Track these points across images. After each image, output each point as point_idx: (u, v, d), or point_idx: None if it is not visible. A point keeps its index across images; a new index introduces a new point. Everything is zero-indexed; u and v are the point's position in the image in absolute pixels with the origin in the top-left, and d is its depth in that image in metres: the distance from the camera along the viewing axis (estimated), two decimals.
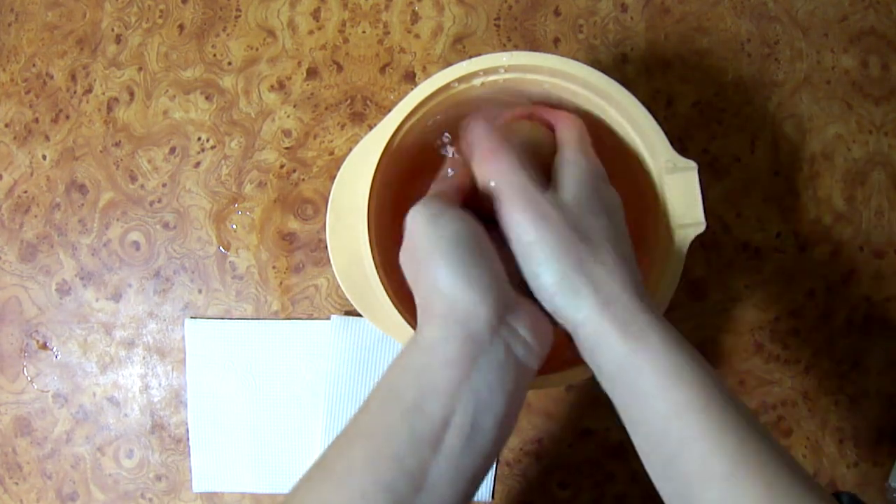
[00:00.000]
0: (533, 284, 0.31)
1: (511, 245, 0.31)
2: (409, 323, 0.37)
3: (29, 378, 0.51)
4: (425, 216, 0.30)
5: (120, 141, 0.52)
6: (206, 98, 0.51)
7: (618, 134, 0.39)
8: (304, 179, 0.51)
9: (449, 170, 0.36)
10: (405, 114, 0.37)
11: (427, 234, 0.30)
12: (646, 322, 0.29)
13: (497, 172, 0.32)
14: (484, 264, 0.29)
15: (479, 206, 0.34)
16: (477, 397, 0.28)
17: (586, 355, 0.31)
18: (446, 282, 0.29)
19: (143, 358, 0.51)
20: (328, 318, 0.50)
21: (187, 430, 0.50)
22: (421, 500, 0.26)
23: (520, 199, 0.31)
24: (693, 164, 0.38)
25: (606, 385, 0.31)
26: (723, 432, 0.27)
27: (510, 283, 0.30)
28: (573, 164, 0.33)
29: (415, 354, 0.29)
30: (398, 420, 0.27)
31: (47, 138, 0.52)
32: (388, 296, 0.37)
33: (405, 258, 0.32)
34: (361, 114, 0.51)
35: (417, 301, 0.31)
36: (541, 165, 0.33)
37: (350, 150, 0.39)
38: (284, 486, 0.49)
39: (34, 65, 0.53)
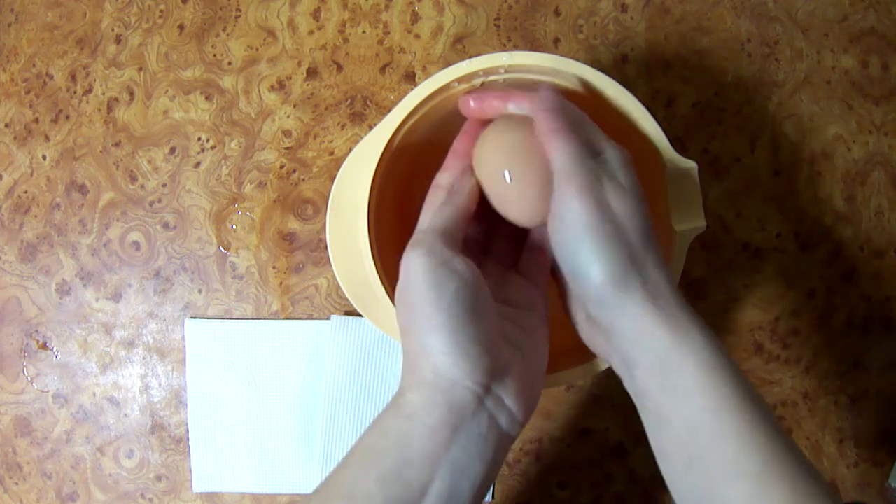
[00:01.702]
0: (576, 272, 0.30)
1: (556, 232, 0.30)
2: None
3: (29, 378, 0.51)
4: (426, 267, 0.29)
5: (120, 141, 0.52)
6: (206, 98, 0.51)
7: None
8: (304, 179, 0.51)
9: (454, 184, 0.33)
10: (405, 114, 0.37)
11: (425, 289, 0.28)
12: (689, 317, 0.29)
13: (560, 152, 0.30)
14: (479, 330, 0.29)
15: (485, 212, 0.33)
16: (456, 466, 0.27)
17: (624, 347, 0.30)
18: (437, 349, 0.28)
19: (143, 358, 0.51)
20: (328, 318, 0.50)
21: (187, 430, 0.50)
22: None
23: (579, 183, 0.29)
24: (693, 164, 0.38)
25: (641, 380, 0.30)
26: (754, 432, 0.27)
27: (502, 343, 0.30)
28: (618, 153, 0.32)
29: (396, 420, 0.29)
30: (376, 487, 0.27)
31: (47, 138, 0.52)
32: (388, 296, 0.37)
33: (399, 300, 0.31)
34: (361, 114, 0.51)
35: (404, 351, 0.30)
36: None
37: (350, 150, 0.39)
38: (284, 486, 0.49)
39: (34, 65, 0.53)
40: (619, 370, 0.32)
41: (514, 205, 0.33)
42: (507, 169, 0.32)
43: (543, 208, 0.32)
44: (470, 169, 0.34)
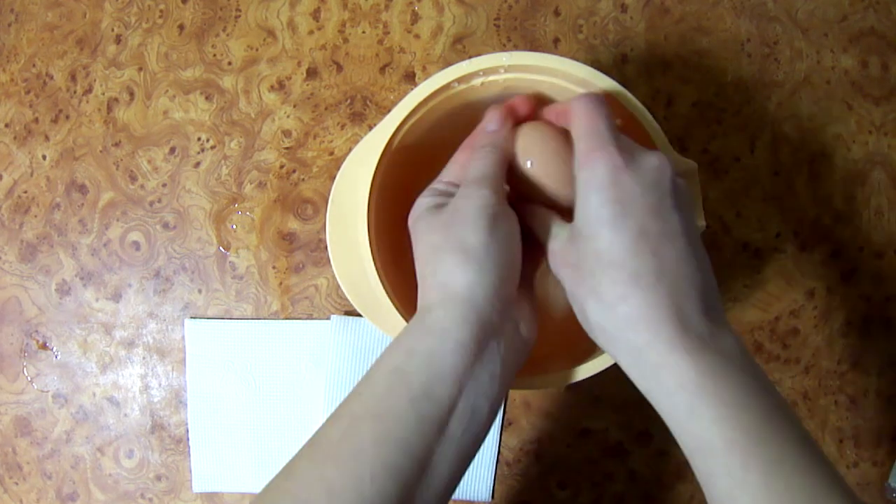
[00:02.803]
0: (601, 309, 0.30)
1: (587, 257, 0.30)
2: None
3: (29, 378, 0.51)
4: (484, 211, 0.30)
5: (120, 141, 0.52)
6: (206, 98, 0.51)
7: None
8: (304, 179, 0.51)
9: (490, 141, 0.34)
10: (405, 114, 0.37)
11: (479, 219, 0.30)
12: (653, 362, 0.28)
13: (599, 167, 0.30)
14: (516, 265, 0.31)
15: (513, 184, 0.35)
16: (479, 383, 0.29)
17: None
18: (479, 275, 0.29)
19: (143, 358, 0.51)
20: (328, 318, 0.50)
21: (187, 430, 0.50)
22: (424, 482, 0.27)
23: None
24: (693, 165, 0.38)
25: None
26: (746, 470, 0.26)
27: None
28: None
29: (424, 337, 0.29)
30: (407, 404, 0.28)
31: (47, 138, 0.52)
32: (388, 296, 0.37)
33: (438, 222, 0.31)
34: (361, 114, 0.51)
35: (430, 271, 0.31)
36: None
37: (350, 150, 0.39)
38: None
39: (34, 65, 0.53)
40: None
41: (548, 179, 0.34)
42: (540, 150, 0.34)
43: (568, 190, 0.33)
44: (505, 116, 0.35)
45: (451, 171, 0.35)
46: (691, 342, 0.27)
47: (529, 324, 0.32)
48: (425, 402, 0.28)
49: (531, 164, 0.34)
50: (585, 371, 0.38)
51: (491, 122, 0.35)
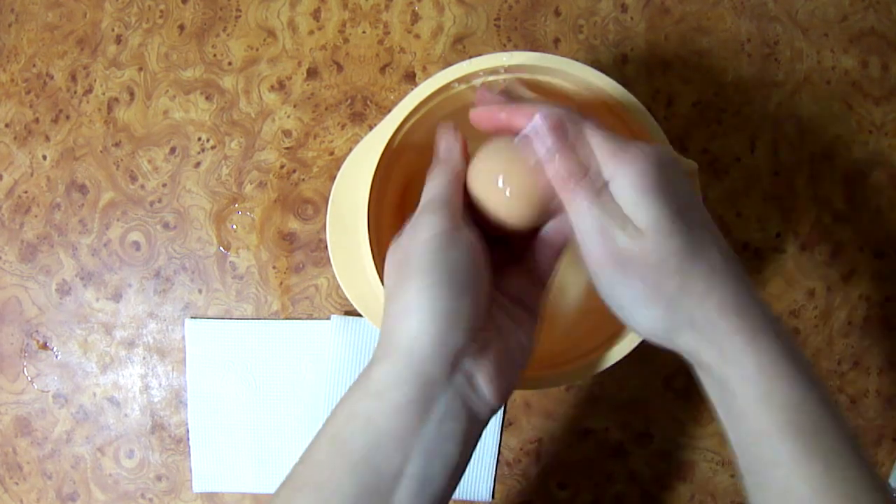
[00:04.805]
0: (622, 316, 0.30)
1: (597, 287, 0.30)
2: None
3: (29, 378, 0.51)
4: (432, 234, 0.28)
5: (120, 141, 0.52)
6: (207, 98, 0.51)
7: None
8: (304, 179, 0.51)
9: (444, 149, 0.34)
10: (405, 114, 0.37)
11: (424, 254, 0.28)
12: (739, 346, 0.28)
13: (578, 204, 0.29)
14: (469, 301, 0.28)
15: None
16: (427, 447, 0.27)
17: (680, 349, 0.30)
18: (422, 306, 0.27)
19: (144, 358, 0.51)
20: (328, 318, 0.50)
21: (187, 430, 0.50)
22: None
23: (600, 246, 0.29)
24: (693, 165, 0.38)
25: (701, 380, 0.31)
26: (810, 458, 0.26)
27: (483, 325, 0.29)
28: (625, 177, 0.29)
29: (363, 400, 0.28)
30: (346, 474, 0.26)
31: (47, 138, 0.52)
32: None
33: (392, 263, 0.30)
34: (361, 114, 0.51)
35: (384, 318, 0.30)
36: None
37: (350, 150, 0.39)
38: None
39: (34, 65, 0.53)
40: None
41: (505, 209, 0.32)
42: (502, 174, 0.32)
43: (536, 213, 0.32)
44: (456, 132, 0.34)
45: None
46: (766, 326, 0.28)
47: (491, 377, 0.29)
48: (365, 472, 0.26)
49: (501, 182, 0.32)
50: (585, 371, 0.38)
51: (440, 141, 0.34)
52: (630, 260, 0.28)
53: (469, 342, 0.28)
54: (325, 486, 0.26)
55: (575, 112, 0.30)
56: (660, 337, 0.30)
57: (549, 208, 0.32)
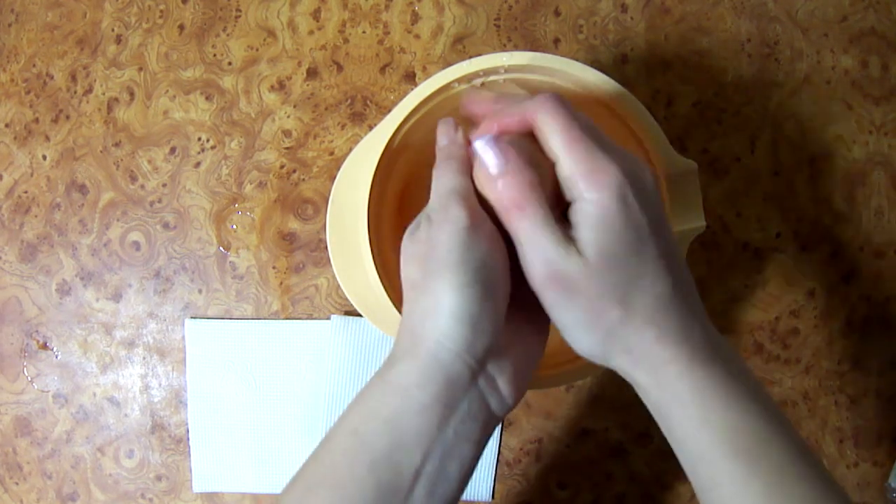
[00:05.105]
0: (562, 334, 0.30)
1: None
2: None
3: (29, 378, 0.51)
4: (459, 228, 0.27)
5: (120, 141, 0.52)
6: (207, 98, 0.51)
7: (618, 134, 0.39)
8: (304, 179, 0.51)
9: (447, 142, 0.32)
10: (405, 114, 0.37)
11: (453, 250, 0.27)
12: (674, 374, 0.28)
13: (521, 230, 0.28)
14: (492, 304, 0.28)
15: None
16: (446, 447, 0.27)
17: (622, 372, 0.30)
18: (451, 311, 0.27)
19: (144, 358, 0.51)
20: (328, 318, 0.50)
21: (187, 430, 0.50)
22: None
23: (543, 269, 0.28)
24: (693, 165, 0.38)
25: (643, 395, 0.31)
26: (748, 478, 0.26)
27: (505, 323, 0.29)
28: (589, 203, 0.27)
29: (385, 397, 0.28)
30: (366, 472, 0.26)
31: (47, 138, 0.52)
32: (388, 296, 0.37)
33: (414, 253, 0.29)
34: (361, 114, 0.51)
35: (407, 310, 0.29)
36: (552, 194, 0.29)
37: (350, 150, 0.39)
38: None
39: (34, 65, 0.53)
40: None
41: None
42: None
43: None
44: (457, 125, 0.33)
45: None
46: (706, 353, 0.28)
47: (511, 378, 0.29)
48: (386, 470, 0.26)
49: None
50: (585, 371, 0.38)
51: (441, 136, 0.33)
52: (572, 285, 0.27)
53: (492, 343, 0.28)
54: (344, 484, 0.26)
55: (566, 103, 0.29)
56: (598, 358, 0.29)
57: (553, 201, 0.30)
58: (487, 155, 0.29)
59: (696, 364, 0.28)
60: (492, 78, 0.38)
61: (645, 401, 0.30)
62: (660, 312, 0.28)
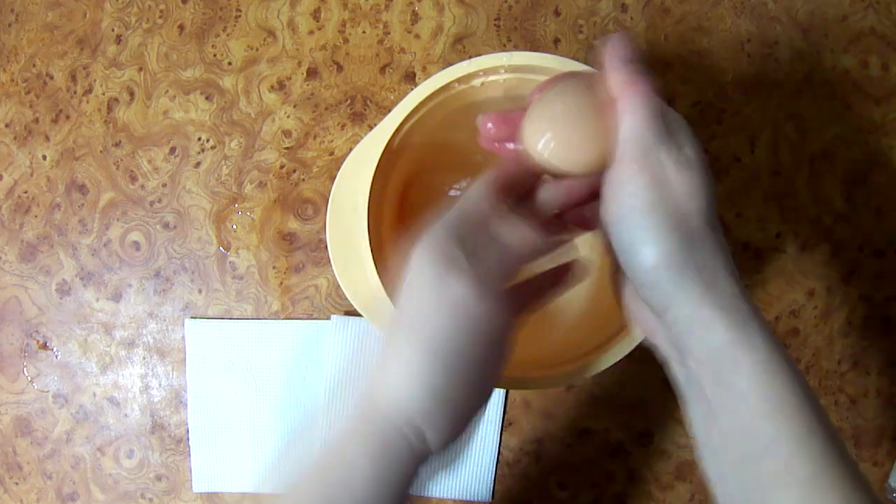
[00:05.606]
0: (628, 251, 0.28)
1: (611, 204, 0.29)
2: None
3: (29, 378, 0.51)
4: (462, 290, 0.27)
5: (120, 141, 0.52)
6: (206, 98, 0.51)
7: None
8: (304, 179, 0.51)
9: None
10: (405, 114, 0.37)
11: (446, 317, 0.27)
12: (748, 311, 0.27)
13: (635, 114, 0.28)
14: (460, 384, 0.28)
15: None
16: (376, 493, 0.28)
17: (676, 333, 0.29)
18: (412, 387, 0.27)
19: (143, 358, 0.51)
20: (328, 318, 0.50)
21: (187, 430, 0.50)
22: None
23: (643, 157, 0.28)
24: None
25: (694, 369, 0.28)
26: (811, 437, 0.26)
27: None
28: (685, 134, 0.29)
29: (338, 470, 0.28)
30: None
31: (47, 138, 0.52)
32: (389, 296, 0.37)
33: (425, 260, 0.28)
34: (361, 114, 0.51)
35: (383, 354, 0.30)
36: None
37: (350, 150, 0.39)
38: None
39: (34, 65, 0.53)
40: (667, 353, 0.31)
41: (560, 147, 0.30)
42: (573, 109, 0.31)
43: (595, 154, 0.30)
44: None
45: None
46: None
47: (441, 432, 0.28)
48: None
49: (544, 142, 0.30)
50: (585, 371, 0.38)
51: (486, 122, 0.32)
52: (667, 186, 0.27)
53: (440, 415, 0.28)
54: None
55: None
56: (662, 283, 0.28)
57: (605, 158, 0.30)
58: (620, 47, 0.31)
59: (760, 312, 0.28)
60: (492, 78, 0.38)
61: (689, 368, 0.28)
62: (730, 262, 0.29)
